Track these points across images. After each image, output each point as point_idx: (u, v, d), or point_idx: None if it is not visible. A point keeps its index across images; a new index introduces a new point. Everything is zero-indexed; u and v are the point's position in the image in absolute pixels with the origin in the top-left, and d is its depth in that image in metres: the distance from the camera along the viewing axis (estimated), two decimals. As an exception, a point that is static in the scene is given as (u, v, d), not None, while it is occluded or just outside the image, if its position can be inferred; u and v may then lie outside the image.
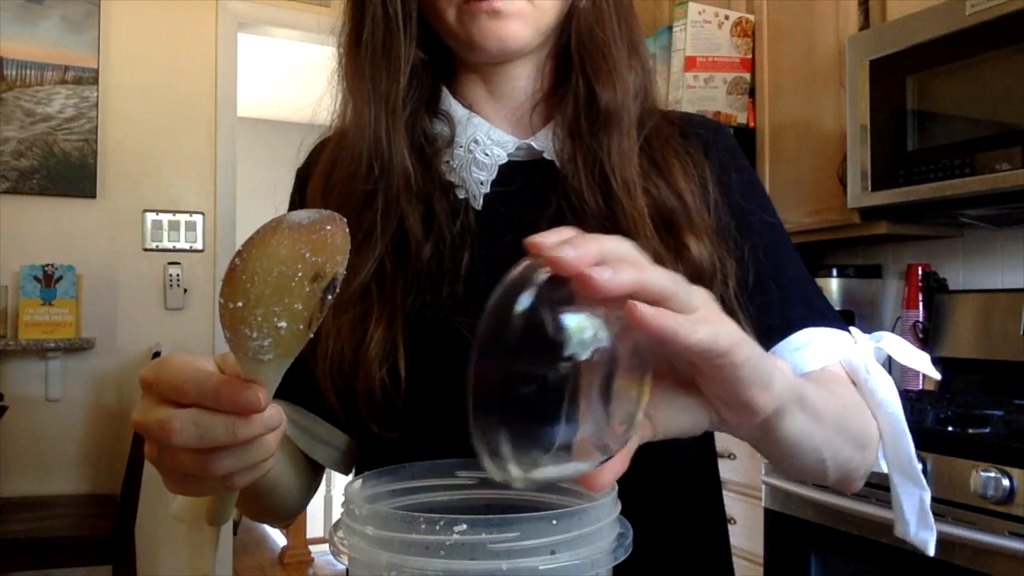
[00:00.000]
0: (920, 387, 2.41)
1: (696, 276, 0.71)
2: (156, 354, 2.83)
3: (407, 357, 0.67)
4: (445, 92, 0.77)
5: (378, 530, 0.37)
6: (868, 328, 2.57)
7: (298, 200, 0.82)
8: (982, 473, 1.59)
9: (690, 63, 2.75)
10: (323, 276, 0.41)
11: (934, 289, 2.43)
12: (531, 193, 0.75)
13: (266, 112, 6.41)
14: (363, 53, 0.74)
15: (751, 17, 2.77)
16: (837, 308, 2.55)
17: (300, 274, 0.41)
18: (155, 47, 3.29)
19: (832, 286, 2.57)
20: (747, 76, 2.78)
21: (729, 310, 0.73)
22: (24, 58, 3.09)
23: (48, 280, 3.00)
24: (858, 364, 0.73)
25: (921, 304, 2.44)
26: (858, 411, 0.70)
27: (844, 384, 0.71)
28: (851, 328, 0.77)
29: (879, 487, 1.81)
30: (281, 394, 0.45)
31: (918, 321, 2.43)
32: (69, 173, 3.14)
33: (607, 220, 0.72)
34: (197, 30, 3.35)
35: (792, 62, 2.61)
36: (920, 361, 0.77)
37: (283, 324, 0.40)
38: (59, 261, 3.05)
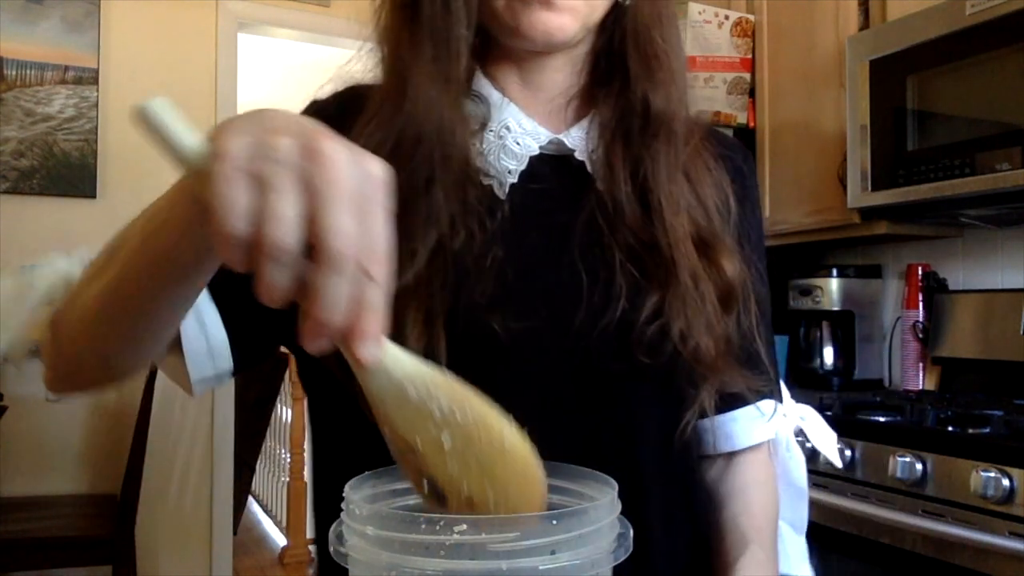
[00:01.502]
0: (920, 387, 2.41)
1: (727, 297, 0.72)
2: (156, 354, 2.83)
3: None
4: (479, 73, 0.75)
5: (378, 530, 0.37)
6: (868, 329, 2.57)
7: None
8: (982, 473, 1.59)
9: (690, 63, 2.74)
10: None
11: (934, 289, 2.43)
12: (562, 193, 0.73)
13: (266, 112, 6.39)
14: (423, 32, 0.70)
15: (751, 17, 2.76)
16: (837, 308, 2.56)
17: None
18: (155, 47, 3.29)
19: (832, 286, 2.57)
20: (747, 76, 2.78)
21: (748, 339, 0.75)
22: (24, 58, 3.08)
23: (48, 280, 3.01)
24: (781, 440, 0.81)
25: (921, 304, 2.44)
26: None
27: (767, 482, 0.79)
28: (783, 392, 0.84)
29: (880, 487, 1.81)
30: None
31: (918, 321, 2.43)
32: (69, 173, 3.14)
33: (643, 232, 0.70)
34: (197, 30, 3.34)
35: (792, 62, 2.61)
36: (828, 444, 0.88)
37: None
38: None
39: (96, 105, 3.17)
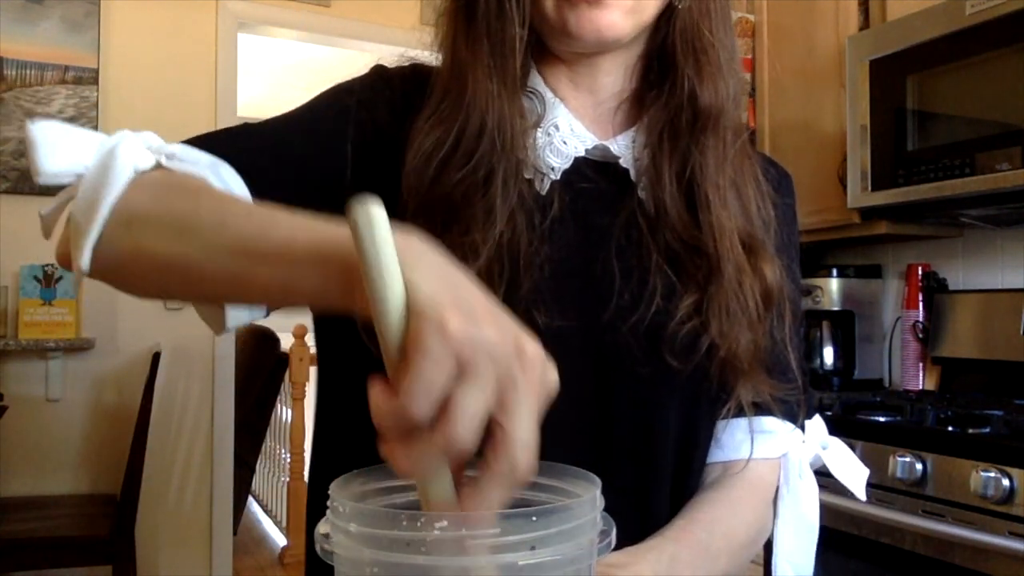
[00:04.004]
0: (920, 387, 2.41)
1: (767, 301, 0.73)
2: (156, 355, 2.83)
3: None
4: (534, 70, 0.75)
5: (361, 527, 0.37)
6: (868, 329, 2.55)
7: (386, 102, 0.73)
8: (982, 473, 1.59)
9: (690, 63, 2.75)
10: None
11: (934, 289, 2.43)
12: (604, 196, 0.73)
13: (266, 112, 6.40)
14: (480, 31, 0.70)
15: (751, 17, 2.76)
16: (837, 308, 2.56)
17: None
18: (155, 47, 3.29)
19: (832, 286, 2.57)
20: (747, 76, 2.77)
21: (780, 349, 0.75)
22: (24, 58, 3.09)
23: (48, 280, 3.00)
24: (794, 464, 0.78)
25: (921, 304, 2.44)
26: (748, 549, 0.74)
27: (755, 503, 0.76)
28: (808, 422, 0.81)
29: (879, 487, 1.81)
30: None
31: (918, 321, 2.43)
32: (69, 173, 3.14)
33: (686, 232, 0.71)
34: (197, 30, 3.35)
35: (792, 62, 2.60)
36: (855, 478, 0.84)
37: None
38: (59, 261, 3.05)
39: (96, 105, 3.17)
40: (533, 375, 0.39)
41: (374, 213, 0.38)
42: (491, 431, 0.38)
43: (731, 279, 0.70)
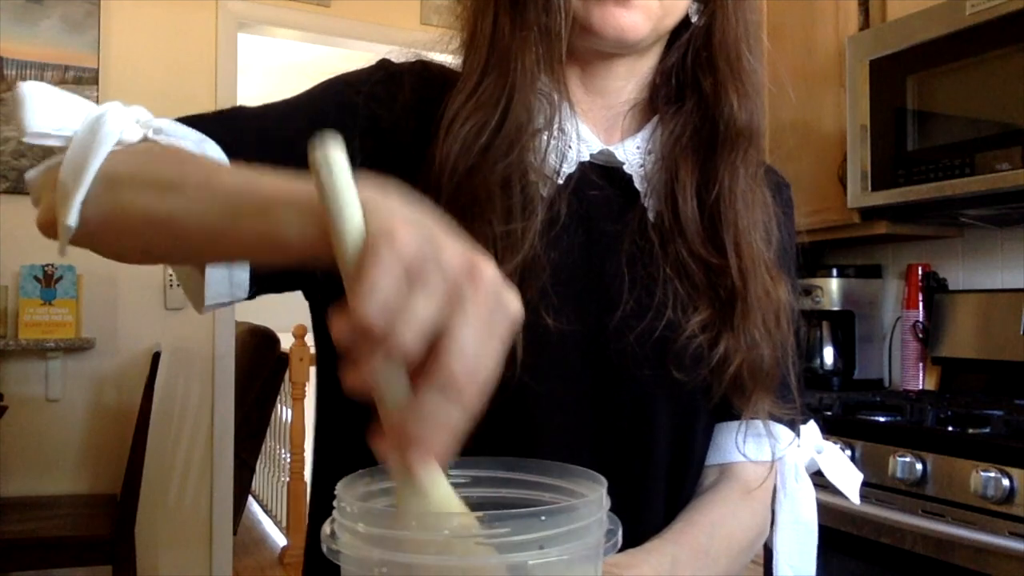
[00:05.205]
0: (920, 387, 2.41)
1: (778, 321, 0.73)
2: (156, 355, 2.83)
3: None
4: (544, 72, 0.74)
5: (369, 527, 0.37)
6: (868, 329, 2.55)
7: (395, 99, 0.72)
8: (982, 473, 1.59)
9: (690, 63, 2.74)
10: None
11: (934, 289, 2.43)
12: (609, 202, 0.73)
13: (267, 112, 6.39)
14: (528, 17, 0.69)
15: (751, 17, 2.76)
16: (837, 308, 2.56)
17: None
18: (155, 47, 3.29)
19: (832, 286, 2.57)
20: (747, 76, 2.77)
21: (783, 367, 0.75)
22: (24, 58, 3.08)
23: (48, 280, 3.00)
24: (790, 468, 0.79)
25: (921, 304, 2.44)
26: (747, 552, 0.75)
27: (754, 506, 0.76)
28: (803, 426, 0.82)
29: (879, 487, 1.81)
30: None
31: (918, 321, 2.43)
32: (69, 173, 3.14)
33: (703, 248, 0.71)
34: (197, 30, 3.35)
35: (792, 62, 2.60)
36: (850, 482, 0.85)
37: None
38: (59, 261, 3.05)
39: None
40: (484, 294, 0.39)
41: (331, 154, 0.40)
42: (434, 343, 0.39)
43: (759, 300, 0.71)
